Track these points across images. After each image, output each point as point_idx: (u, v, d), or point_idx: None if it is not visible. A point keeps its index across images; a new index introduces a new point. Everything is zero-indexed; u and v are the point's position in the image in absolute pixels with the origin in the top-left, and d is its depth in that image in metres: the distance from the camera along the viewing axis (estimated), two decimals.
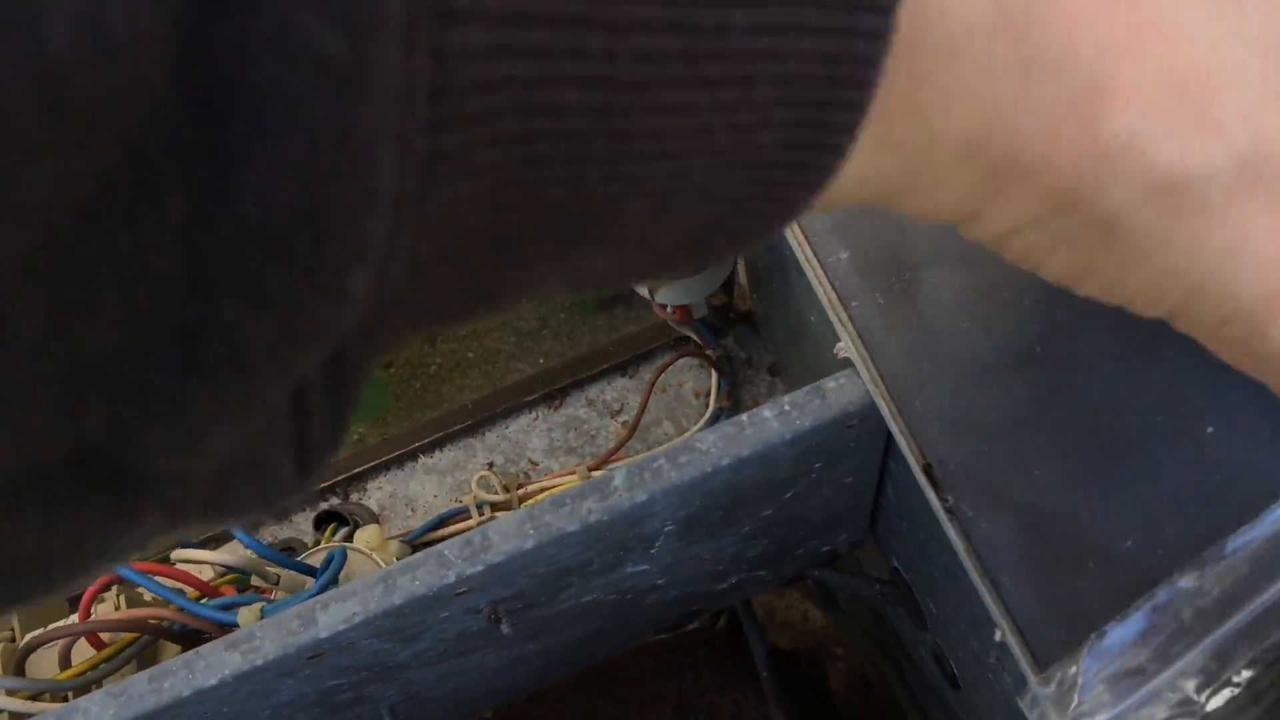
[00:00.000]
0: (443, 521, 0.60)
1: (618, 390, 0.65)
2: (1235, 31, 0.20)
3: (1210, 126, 0.20)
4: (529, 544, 0.36)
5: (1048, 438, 0.35)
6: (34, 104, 0.09)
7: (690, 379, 0.65)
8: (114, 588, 0.51)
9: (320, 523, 0.61)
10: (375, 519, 0.62)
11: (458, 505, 0.60)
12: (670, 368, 0.63)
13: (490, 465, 0.64)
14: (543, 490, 0.60)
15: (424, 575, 0.37)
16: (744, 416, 0.38)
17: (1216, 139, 0.20)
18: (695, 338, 0.62)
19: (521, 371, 0.74)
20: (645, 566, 0.44)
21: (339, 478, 0.63)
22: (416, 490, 0.64)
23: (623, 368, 0.65)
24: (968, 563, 0.34)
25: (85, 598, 0.49)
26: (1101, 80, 0.19)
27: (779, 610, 0.92)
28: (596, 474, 0.54)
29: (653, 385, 0.62)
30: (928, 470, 0.35)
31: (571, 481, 0.59)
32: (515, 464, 0.64)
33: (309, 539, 0.61)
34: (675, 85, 0.13)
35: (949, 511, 0.35)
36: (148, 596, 0.51)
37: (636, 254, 0.16)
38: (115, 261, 0.11)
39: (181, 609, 0.47)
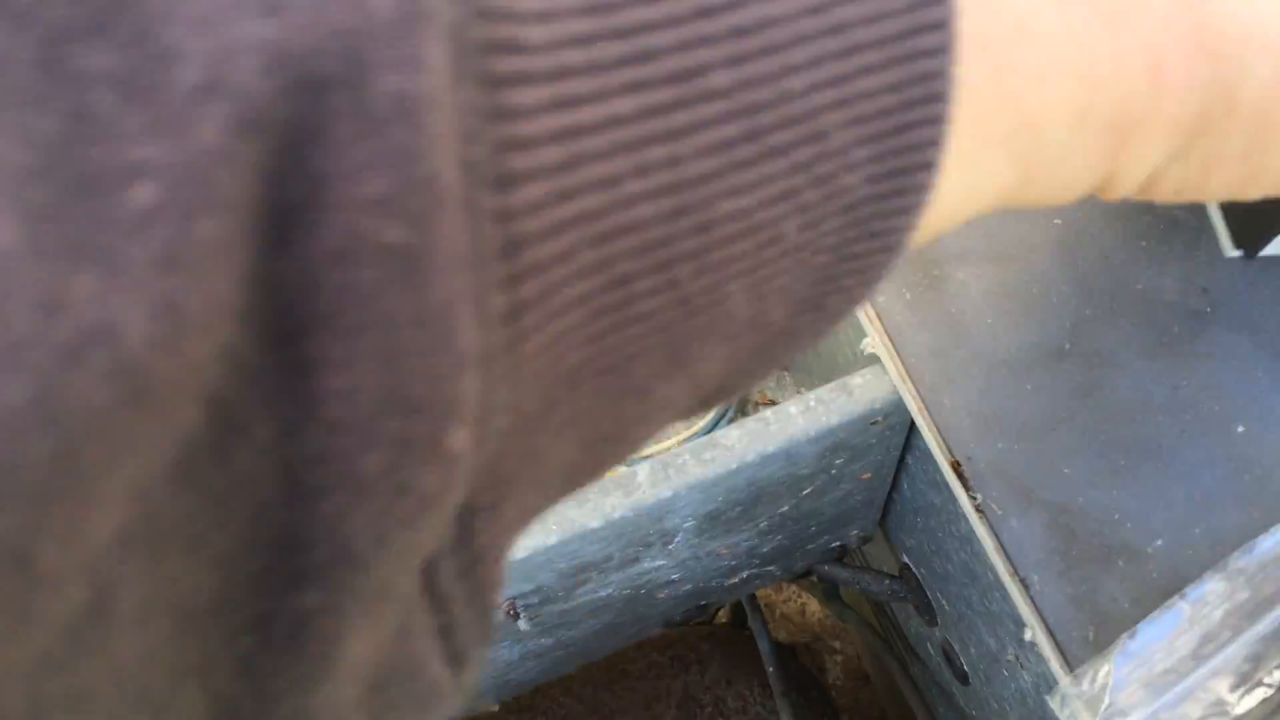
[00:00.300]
0: None
1: None
2: None
3: None
4: (552, 539, 0.36)
5: (1077, 435, 0.35)
6: (117, 401, 0.09)
7: None
8: None
9: None
10: None
11: None
12: None
13: None
14: None
15: None
16: (768, 412, 0.37)
17: None
18: None
19: None
20: (662, 562, 0.43)
21: None
22: None
23: None
24: (996, 561, 0.34)
25: None
26: None
27: (777, 604, 0.92)
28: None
29: None
30: (956, 467, 0.35)
31: None
32: None
33: None
34: (747, 164, 0.13)
35: (978, 509, 0.35)
36: None
37: (751, 338, 0.15)
38: (211, 503, 0.10)
39: None
